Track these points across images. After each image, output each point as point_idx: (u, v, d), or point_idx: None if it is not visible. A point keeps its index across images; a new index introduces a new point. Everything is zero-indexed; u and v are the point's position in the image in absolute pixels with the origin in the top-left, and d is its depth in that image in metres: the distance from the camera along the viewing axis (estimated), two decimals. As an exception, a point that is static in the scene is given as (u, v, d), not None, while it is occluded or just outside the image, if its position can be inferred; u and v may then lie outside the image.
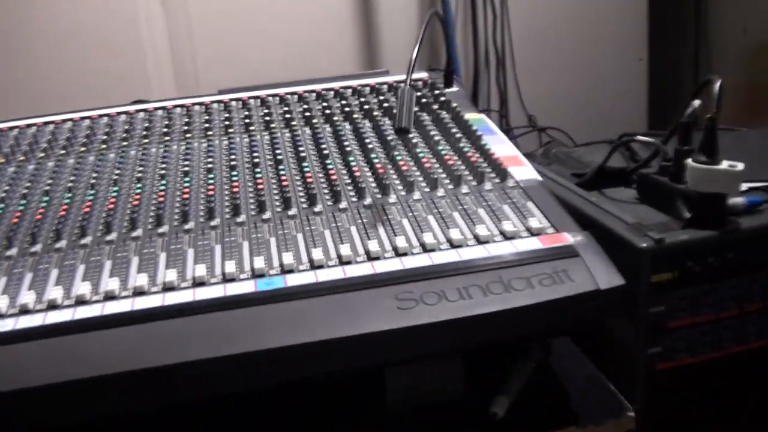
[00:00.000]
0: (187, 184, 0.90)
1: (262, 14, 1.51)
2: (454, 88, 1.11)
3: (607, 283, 0.69)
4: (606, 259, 0.72)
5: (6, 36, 1.35)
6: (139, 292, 0.71)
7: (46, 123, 1.12)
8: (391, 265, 0.73)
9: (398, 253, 0.74)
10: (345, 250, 0.74)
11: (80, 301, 0.70)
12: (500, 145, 0.93)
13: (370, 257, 0.74)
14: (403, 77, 1.16)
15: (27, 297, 0.70)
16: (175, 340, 0.65)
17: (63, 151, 1.02)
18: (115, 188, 0.90)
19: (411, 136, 0.97)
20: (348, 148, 0.95)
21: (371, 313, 0.68)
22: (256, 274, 0.72)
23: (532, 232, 0.76)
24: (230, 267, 0.73)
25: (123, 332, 0.66)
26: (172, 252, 0.77)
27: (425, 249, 0.75)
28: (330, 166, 0.90)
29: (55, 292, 0.71)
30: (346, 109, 1.06)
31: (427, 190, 0.85)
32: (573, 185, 1.00)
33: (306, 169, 0.90)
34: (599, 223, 0.87)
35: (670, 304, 0.83)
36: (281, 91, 1.18)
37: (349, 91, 1.15)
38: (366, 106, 1.06)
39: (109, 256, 0.77)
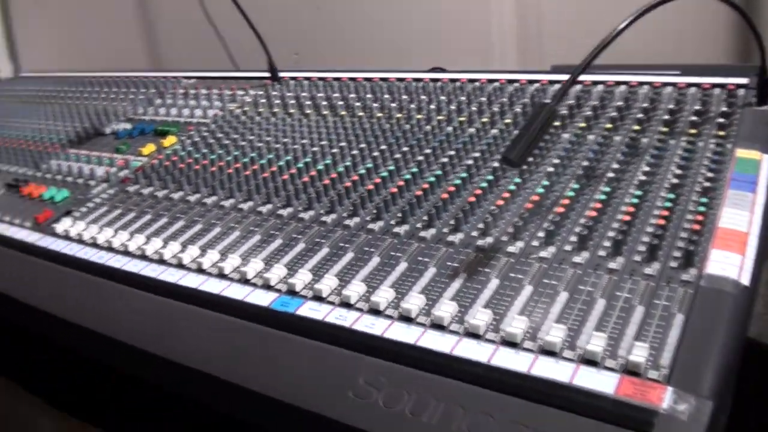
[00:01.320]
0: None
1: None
2: (769, 108, 0.71)
3: None
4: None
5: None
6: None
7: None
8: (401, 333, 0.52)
9: (434, 324, 0.53)
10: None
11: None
12: (737, 212, 0.56)
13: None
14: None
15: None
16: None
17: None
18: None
19: (613, 166, 0.68)
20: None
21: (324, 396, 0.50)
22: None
23: (624, 368, 0.45)
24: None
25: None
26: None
27: (467, 332, 0.51)
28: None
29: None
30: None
31: (568, 248, 0.58)
32: None
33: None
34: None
35: None
36: (633, 78, 0.90)
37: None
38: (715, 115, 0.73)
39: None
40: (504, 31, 1.17)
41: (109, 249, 0.73)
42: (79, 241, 0.76)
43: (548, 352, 0.48)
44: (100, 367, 0.66)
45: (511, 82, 0.94)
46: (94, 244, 0.75)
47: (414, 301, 0.55)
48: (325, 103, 0.99)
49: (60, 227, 0.80)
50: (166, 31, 1.66)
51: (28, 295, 0.70)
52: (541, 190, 0.66)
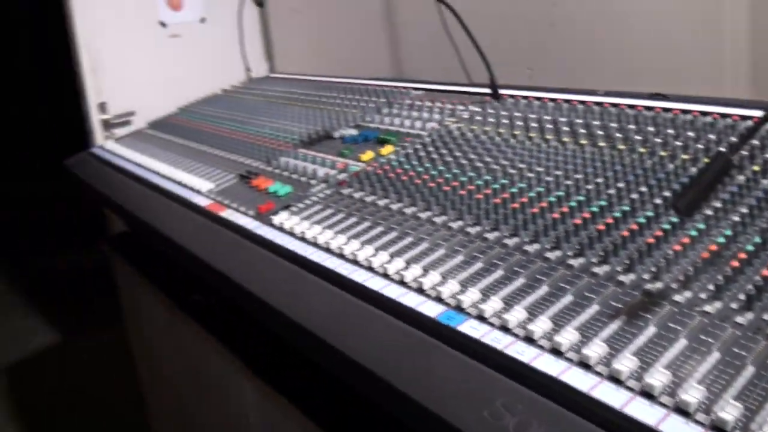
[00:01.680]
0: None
1: None
2: None
3: None
4: None
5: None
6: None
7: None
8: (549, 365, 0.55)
9: (581, 362, 0.55)
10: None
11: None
12: None
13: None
14: None
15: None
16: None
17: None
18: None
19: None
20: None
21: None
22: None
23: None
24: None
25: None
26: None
27: (610, 376, 0.53)
28: None
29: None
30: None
31: (734, 306, 0.56)
32: None
33: None
34: None
35: None
36: None
37: None
38: None
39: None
40: (737, 59, 1.11)
41: (314, 244, 0.83)
42: (291, 234, 0.87)
43: (682, 411, 0.48)
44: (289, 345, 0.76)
45: (723, 116, 0.90)
46: (303, 239, 0.85)
47: (567, 336, 0.57)
48: (534, 125, 1.02)
49: (277, 219, 0.92)
50: (410, 42, 1.76)
51: (239, 275, 0.83)
52: (721, 240, 0.65)
